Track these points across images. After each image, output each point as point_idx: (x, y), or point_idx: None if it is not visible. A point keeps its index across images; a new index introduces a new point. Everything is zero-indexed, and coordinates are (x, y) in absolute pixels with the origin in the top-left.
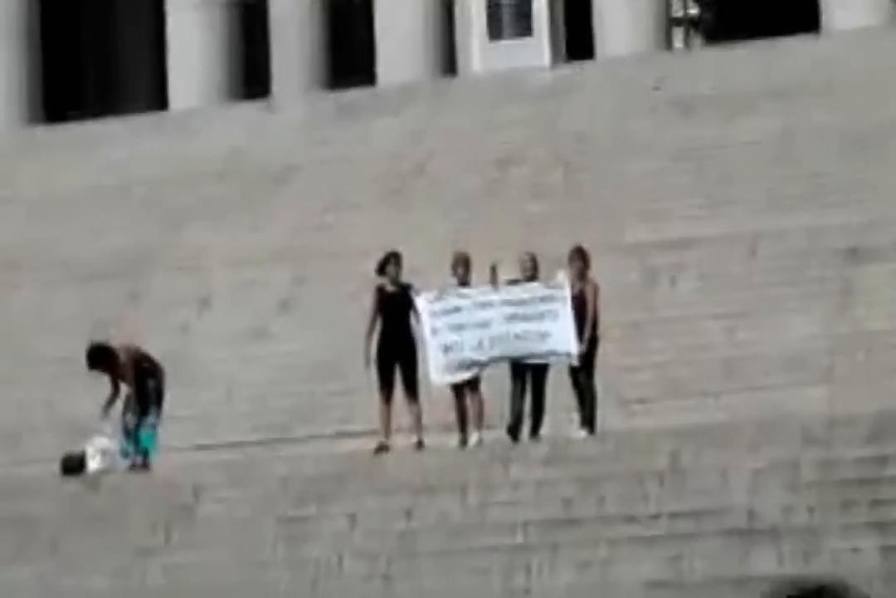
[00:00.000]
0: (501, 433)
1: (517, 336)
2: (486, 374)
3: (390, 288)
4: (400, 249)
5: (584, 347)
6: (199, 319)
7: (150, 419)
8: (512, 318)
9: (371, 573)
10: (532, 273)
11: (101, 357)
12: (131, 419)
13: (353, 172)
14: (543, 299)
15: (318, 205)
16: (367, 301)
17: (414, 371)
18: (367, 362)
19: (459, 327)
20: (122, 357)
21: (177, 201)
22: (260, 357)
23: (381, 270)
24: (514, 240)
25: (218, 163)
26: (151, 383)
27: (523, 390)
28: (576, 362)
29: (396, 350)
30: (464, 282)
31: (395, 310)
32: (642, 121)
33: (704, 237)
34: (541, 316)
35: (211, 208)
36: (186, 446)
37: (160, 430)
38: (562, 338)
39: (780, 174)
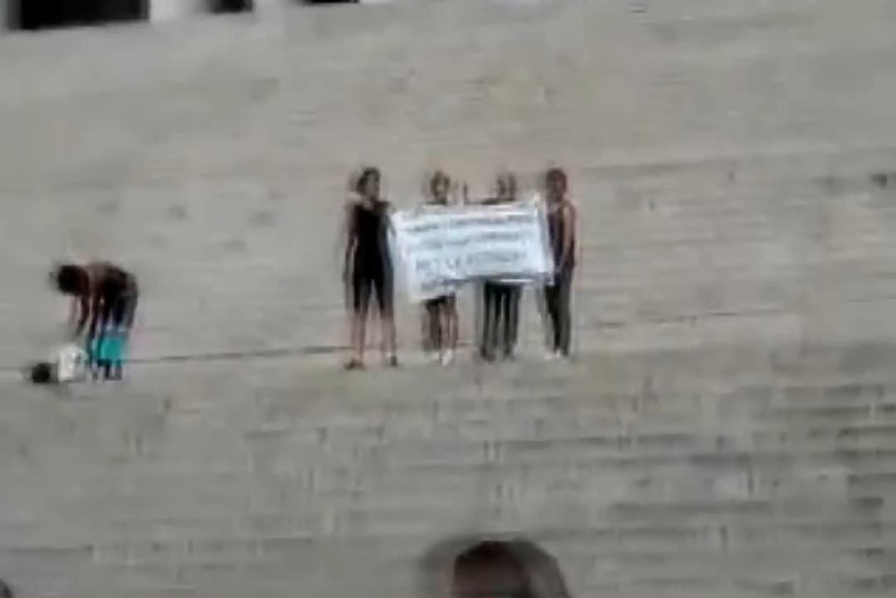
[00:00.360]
0: (475, 352)
1: (493, 255)
2: (460, 292)
3: (367, 205)
4: (377, 166)
5: (559, 268)
6: (175, 230)
7: (120, 328)
8: (488, 237)
9: (341, 488)
10: (510, 193)
11: (70, 280)
12: (99, 330)
13: (332, 87)
14: (519, 219)
15: (295, 119)
16: (343, 217)
17: (388, 288)
18: (347, 279)
19: (436, 244)
20: (91, 277)
21: (154, 112)
22: (234, 270)
23: (360, 187)
24: (493, 160)
25: (196, 74)
26: (122, 294)
27: (497, 311)
28: (550, 283)
29: (371, 267)
30: (443, 200)
31: (370, 227)
32: (624, 45)
33: (683, 162)
34: (516, 236)
35: (188, 120)
36: (159, 358)
37: (130, 341)
38: (537, 258)
39: (760, 102)
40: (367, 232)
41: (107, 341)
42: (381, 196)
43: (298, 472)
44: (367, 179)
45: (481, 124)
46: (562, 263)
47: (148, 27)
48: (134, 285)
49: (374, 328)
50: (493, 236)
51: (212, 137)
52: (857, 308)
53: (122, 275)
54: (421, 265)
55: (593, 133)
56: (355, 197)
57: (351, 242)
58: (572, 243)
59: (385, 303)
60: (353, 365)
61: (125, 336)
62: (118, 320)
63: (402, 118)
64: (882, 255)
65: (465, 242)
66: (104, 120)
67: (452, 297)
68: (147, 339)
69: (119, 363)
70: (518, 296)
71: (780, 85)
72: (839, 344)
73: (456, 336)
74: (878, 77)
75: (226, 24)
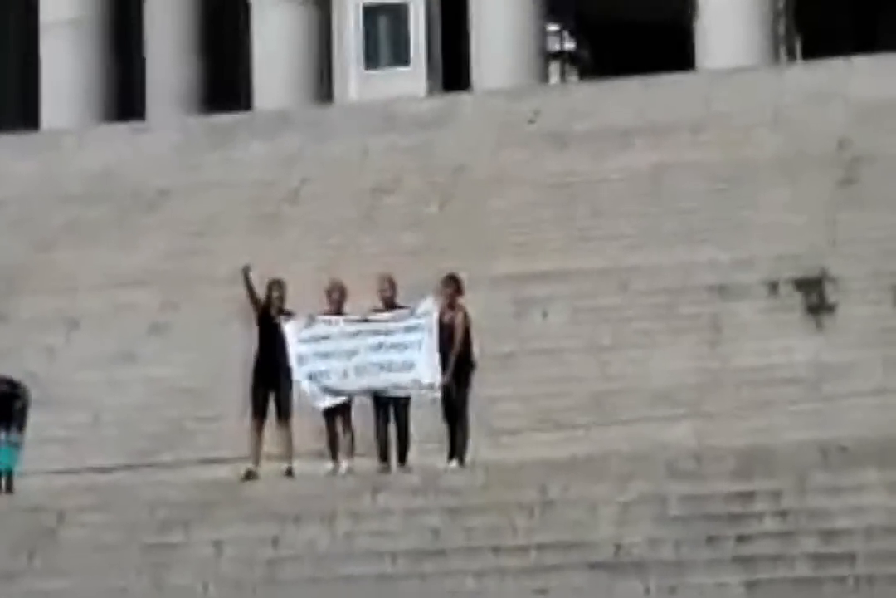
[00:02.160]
0: (372, 462)
1: (381, 367)
2: (357, 402)
3: (273, 314)
4: (272, 274)
5: (448, 378)
6: (67, 341)
7: (13, 437)
8: (378, 347)
9: None
10: (391, 296)
11: None
12: None
13: (227, 196)
14: (409, 329)
15: (190, 229)
16: (237, 327)
17: (288, 398)
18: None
19: (326, 355)
20: None
21: (47, 222)
22: (128, 381)
23: (267, 300)
24: (387, 269)
25: (90, 184)
26: (16, 404)
27: (387, 421)
28: (438, 394)
29: (272, 376)
30: (338, 310)
31: (273, 336)
32: (517, 153)
33: (576, 271)
34: (406, 346)
35: (82, 230)
36: (52, 470)
37: (23, 451)
38: (426, 369)
39: (652, 210)
40: (268, 340)
41: (4, 450)
42: (287, 308)
43: (193, 585)
44: (271, 289)
45: (376, 233)
46: (451, 373)
47: (40, 135)
48: (25, 393)
49: (270, 439)
50: (382, 346)
51: (105, 247)
52: (750, 415)
53: (13, 384)
54: (310, 376)
55: (487, 242)
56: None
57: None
58: (469, 350)
59: (284, 412)
60: (249, 476)
61: (19, 446)
62: (9, 429)
63: (296, 227)
64: (774, 361)
65: (355, 353)
66: None
67: (348, 407)
68: (39, 451)
69: (11, 474)
70: (407, 406)
71: (671, 193)
72: (733, 450)
73: (353, 446)
74: (767, 185)
75: (119, 133)
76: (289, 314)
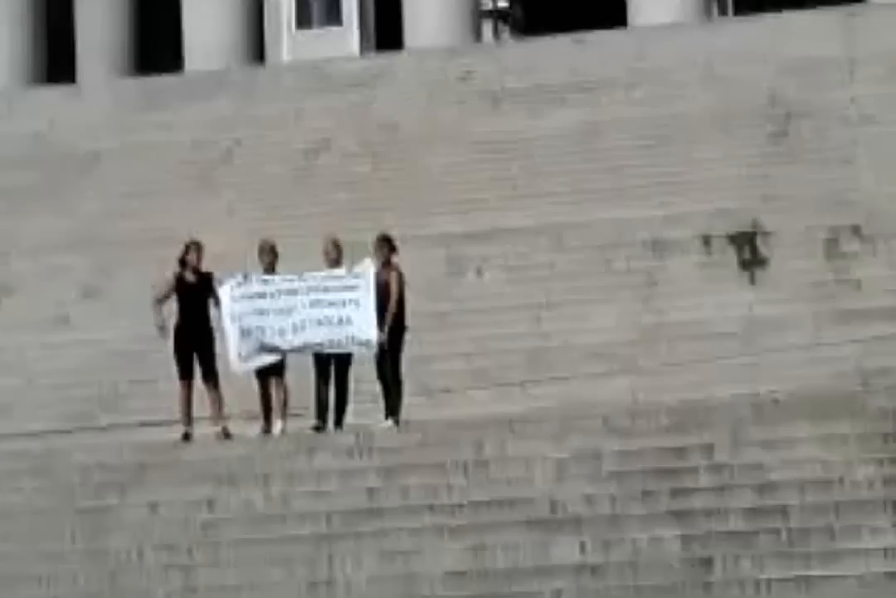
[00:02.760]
0: (306, 422)
1: (319, 323)
2: (290, 362)
3: (190, 278)
4: (206, 236)
5: (383, 336)
6: (1, 307)
7: None
8: (315, 304)
9: (172, 563)
10: (336, 258)
11: None
12: None
13: (160, 158)
14: (347, 288)
15: (123, 191)
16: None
17: (212, 360)
18: (160, 327)
19: (262, 313)
20: None
21: None
22: (61, 345)
23: (182, 260)
24: (321, 228)
25: (22, 148)
26: None
27: (326, 380)
28: (373, 351)
29: (195, 340)
30: (270, 269)
31: (194, 299)
32: (450, 112)
33: (511, 229)
34: (343, 304)
35: (14, 194)
36: None
37: None
38: (363, 326)
39: (585, 167)
40: (190, 304)
41: None
42: (206, 267)
43: (128, 549)
44: (188, 251)
45: (309, 193)
46: (387, 330)
47: None
48: None
49: (204, 401)
50: (319, 304)
51: (37, 211)
52: (684, 370)
53: None
54: (245, 334)
55: (421, 201)
56: (176, 270)
57: (161, 300)
58: (402, 309)
59: (210, 375)
60: (184, 438)
61: None
62: None
63: (229, 188)
64: (708, 316)
65: (292, 310)
66: None
67: (282, 367)
68: None
69: None
70: (347, 366)
71: (604, 150)
72: (668, 406)
73: (286, 407)
74: (699, 141)
75: (51, 97)
76: (209, 275)
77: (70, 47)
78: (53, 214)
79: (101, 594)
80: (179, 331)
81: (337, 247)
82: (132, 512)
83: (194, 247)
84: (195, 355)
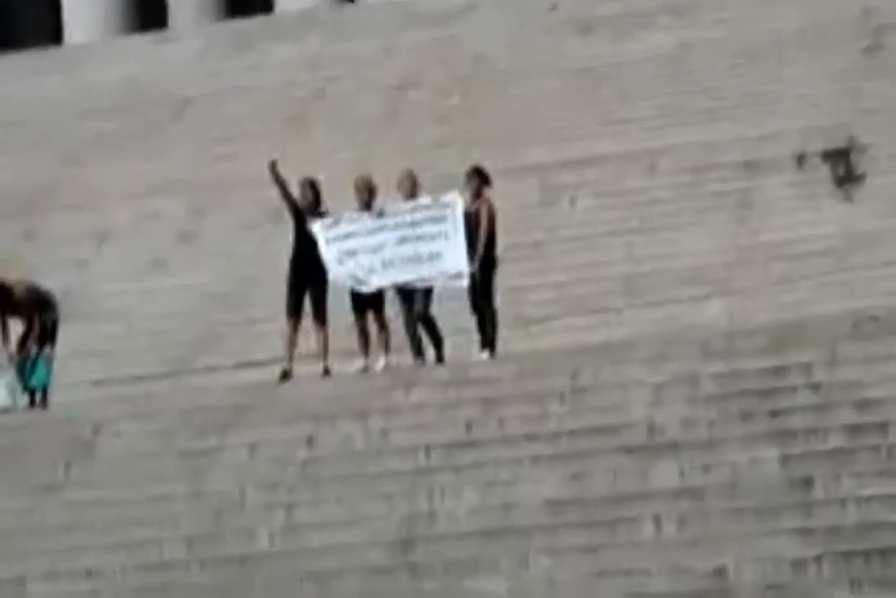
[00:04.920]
0: (407, 357)
1: (409, 259)
2: (390, 297)
3: (307, 213)
4: (300, 176)
5: (475, 267)
6: (98, 253)
7: (46, 351)
8: (403, 241)
9: (273, 502)
10: (412, 192)
11: None
12: (28, 354)
13: (251, 100)
14: (435, 220)
15: (215, 135)
16: (267, 230)
17: (324, 297)
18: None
19: (352, 253)
20: (18, 293)
21: (73, 136)
22: (160, 290)
23: (301, 198)
24: (416, 163)
25: (114, 96)
26: (46, 317)
27: (411, 315)
28: (465, 283)
29: (309, 273)
30: (366, 206)
31: (307, 237)
32: (539, 41)
33: (602, 156)
34: (431, 237)
35: (107, 142)
36: (86, 382)
37: (55, 364)
38: (453, 258)
39: (676, 90)
40: (304, 239)
41: (39, 365)
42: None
43: (230, 489)
44: (303, 188)
45: (402, 129)
46: (478, 262)
47: (63, 51)
48: (56, 306)
49: (306, 338)
50: (407, 239)
51: (131, 158)
52: (780, 290)
53: (47, 297)
54: (338, 275)
55: (511, 132)
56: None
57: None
58: (492, 241)
59: (320, 311)
60: (284, 376)
61: (51, 360)
62: (42, 344)
63: (322, 127)
64: (803, 235)
65: (381, 248)
66: (21, 146)
67: (381, 302)
68: (73, 363)
69: (45, 389)
70: (429, 300)
71: (693, 72)
72: (765, 326)
73: (388, 342)
74: (789, 59)
75: (142, 44)
76: (321, 214)
77: None
78: (147, 159)
79: (205, 535)
80: (293, 267)
81: (412, 181)
82: (233, 453)
83: (309, 186)
84: (307, 293)
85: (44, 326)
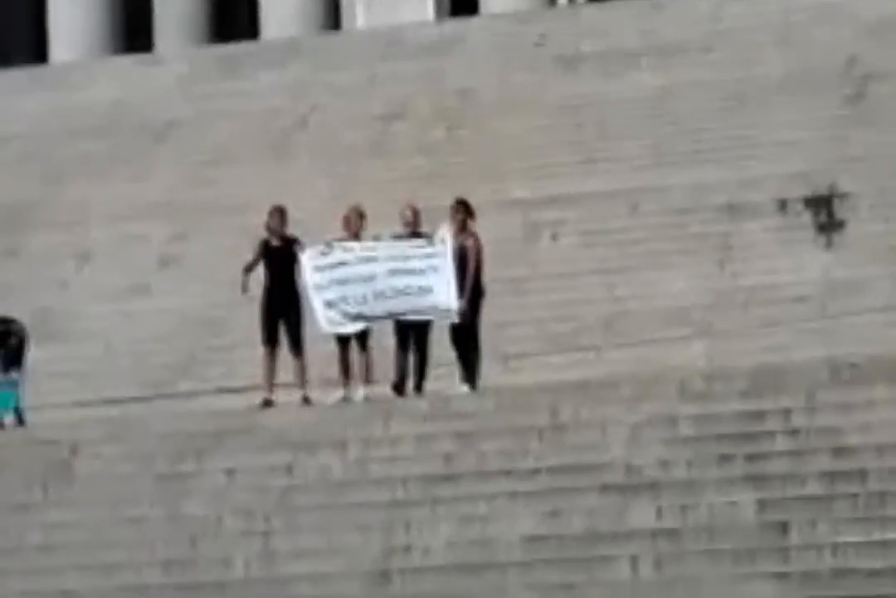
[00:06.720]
0: (386, 389)
1: (400, 291)
2: (375, 328)
3: (275, 242)
4: (283, 203)
5: (464, 302)
6: (79, 274)
7: (12, 376)
8: (395, 273)
9: (250, 529)
10: (414, 225)
11: None
12: None
13: (236, 126)
14: (426, 255)
15: (199, 159)
16: (248, 256)
17: (299, 326)
18: (244, 290)
19: (343, 282)
20: None
21: (57, 156)
22: (140, 313)
23: (267, 226)
24: (397, 195)
25: (99, 117)
26: (13, 341)
27: (406, 347)
28: (456, 319)
29: (282, 305)
30: (356, 236)
31: (280, 264)
32: (525, 77)
33: (586, 193)
34: (423, 271)
35: (91, 163)
36: (65, 403)
37: (34, 384)
38: (444, 293)
39: (660, 131)
40: (276, 269)
41: (2, 392)
42: (290, 233)
43: (207, 514)
44: (271, 216)
45: (385, 160)
46: (466, 297)
47: (48, 70)
48: (21, 330)
49: (285, 367)
50: (399, 272)
51: (115, 180)
52: (760, 334)
53: (6, 321)
54: (328, 303)
55: (495, 166)
56: (264, 234)
57: (251, 267)
58: (479, 274)
59: (296, 341)
60: (265, 404)
61: (18, 384)
62: (7, 367)
63: (306, 155)
64: (784, 280)
65: (372, 278)
66: (4, 164)
67: (366, 333)
68: (52, 384)
69: (18, 410)
70: (426, 332)
71: (678, 114)
72: (744, 370)
73: (370, 373)
74: (774, 104)
75: (127, 65)
76: (294, 240)
77: (147, 17)
78: (131, 181)
79: (181, 560)
80: (267, 296)
81: (415, 213)
82: (211, 479)
83: (277, 213)
84: (281, 322)
85: (8, 351)
